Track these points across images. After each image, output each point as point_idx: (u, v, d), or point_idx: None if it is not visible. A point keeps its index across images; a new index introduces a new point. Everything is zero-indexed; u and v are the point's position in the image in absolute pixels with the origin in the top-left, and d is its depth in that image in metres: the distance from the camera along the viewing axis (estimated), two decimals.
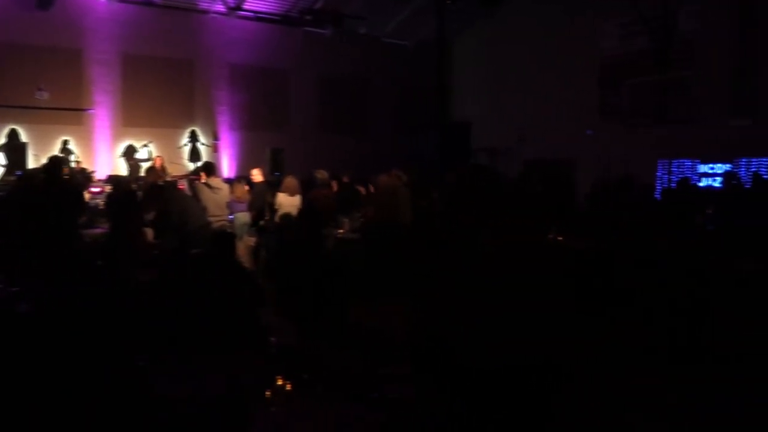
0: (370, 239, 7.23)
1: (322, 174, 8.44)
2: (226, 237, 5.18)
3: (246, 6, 15.38)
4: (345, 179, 10.14)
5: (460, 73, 18.24)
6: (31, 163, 12.67)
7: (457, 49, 18.42)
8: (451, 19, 15.18)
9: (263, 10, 15.74)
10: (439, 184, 8.98)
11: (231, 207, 8.77)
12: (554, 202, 8.12)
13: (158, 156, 13.24)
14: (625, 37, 14.42)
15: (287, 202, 8.58)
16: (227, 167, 15.79)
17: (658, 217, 8.40)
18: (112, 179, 11.83)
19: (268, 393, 2.92)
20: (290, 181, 9.04)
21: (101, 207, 9.56)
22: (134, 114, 14.71)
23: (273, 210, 8.82)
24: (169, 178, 10.25)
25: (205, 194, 8.12)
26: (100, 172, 13.50)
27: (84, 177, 12.02)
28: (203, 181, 8.33)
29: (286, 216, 7.96)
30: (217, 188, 8.26)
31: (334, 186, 9.38)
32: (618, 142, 13.74)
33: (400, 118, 18.17)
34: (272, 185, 9.84)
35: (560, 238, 7.46)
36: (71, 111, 13.88)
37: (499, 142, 16.80)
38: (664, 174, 13.24)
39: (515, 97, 16.63)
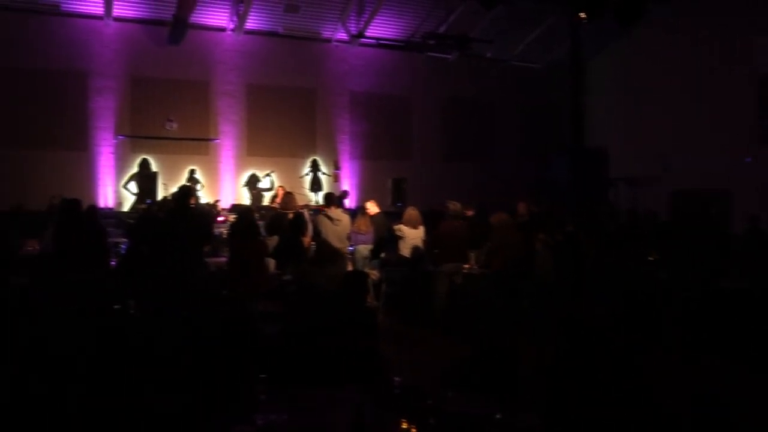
0: (500, 283, 7.14)
1: (454, 205, 8.49)
2: (359, 276, 5.29)
3: (368, 33, 15.85)
4: (469, 212, 10.07)
5: (595, 95, 17.73)
6: (161, 191, 13.68)
7: (591, 70, 17.96)
8: (586, 38, 14.86)
9: (385, 36, 16.16)
10: (573, 217, 8.73)
11: (353, 239, 8.94)
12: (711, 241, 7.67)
13: (280, 186, 13.83)
14: None
15: (411, 234, 8.65)
16: (348, 197, 16.20)
17: None
18: (236, 209, 12.49)
19: None
20: (412, 212, 9.12)
21: (225, 236, 10.10)
22: (257, 143, 15.53)
23: (395, 242, 8.91)
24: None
25: (326, 226, 8.35)
26: (224, 202, 14.33)
27: (209, 206, 12.81)
28: (325, 212, 8.58)
29: (418, 249, 8.05)
30: (338, 220, 8.47)
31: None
32: None
33: (527, 144, 17.89)
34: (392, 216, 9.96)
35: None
36: (198, 141, 14.90)
37: (639, 170, 16.07)
38: None
39: (658, 122, 15.91)
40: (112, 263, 8.02)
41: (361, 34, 15.82)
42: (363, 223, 9.32)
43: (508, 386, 3.75)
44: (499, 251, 8.01)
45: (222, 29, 15.14)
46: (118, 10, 13.93)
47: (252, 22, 15.07)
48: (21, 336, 4.29)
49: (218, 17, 14.90)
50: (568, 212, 8.86)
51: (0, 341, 4.25)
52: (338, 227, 8.42)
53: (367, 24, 15.72)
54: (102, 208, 12.91)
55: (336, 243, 8.32)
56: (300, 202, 13.52)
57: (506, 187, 15.45)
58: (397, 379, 3.36)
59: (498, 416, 2.98)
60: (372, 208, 9.82)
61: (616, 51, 17.50)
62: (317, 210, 10.41)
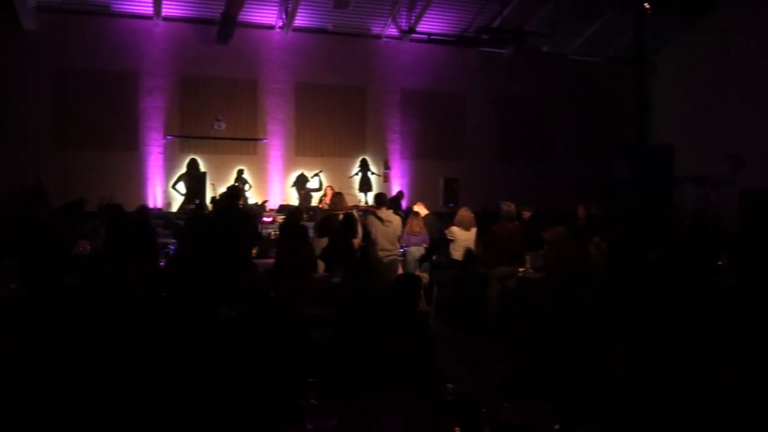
0: (554, 289, 7.05)
1: (508, 206, 8.44)
2: (411, 280, 5.32)
3: (419, 28, 15.84)
4: (526, 214, 9.99)
5: (660, 90, 17.30)
6: (209, 192, 13.94)
7: (655, 64, 17.54)
8: (650, 31, 14.55)
9: (437, 31, 16.11)
10: (633, 220, 8.54)
11: (405, 240, 8.95)
12: None
13: (329, 186, 13.92)
14: None
15: (463, 236, 8.61)
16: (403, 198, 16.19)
17: None
18: (285, 209, 12.65)
19: None
20: (465, 214, 9.09)
21: (273, 237, 10.24)
22: (306, 143, 15.69)
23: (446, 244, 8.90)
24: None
25: (376, 227, 8.38)
26: (273, 202, 14.52)
27: (257, 207, 13.00)
28: (375, 213, 8.61)
29: (470, 251, 8.03)
30: (388, 221, 8.47)
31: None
32: None
33: (586, 142, 17.56)
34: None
35: None
36: (246, 141, 15.15)
37: (708, 168, 15.61)
38: None
39: (728, 117, 15.42)
40: (161, 264, 8.21)
41: (412, 30, 15.82)
42: (416, 224, 9.32)
43: (566, 396, 3.70)
44: (554, 261, 7.93)
45: (270, 27, 15.35)
46: (167, 10, 14.27)
47: (300, 19, 15.23)
48: (70, 335, 4.43)
49: (266, 15, 15.11)
50: (630, 214, 8.66)
51: (49, 341, 4.39)
52: (388, 228, 8.43)
53: (418, 19, 15.70)
54: (151, 209, 13.24)
55: (386, 245, 8.34)
56: (349, 202, 13.62)
57: (564, 186, 15.24)
58: (449, 385, 3.35)
59: (556, 427, 2.94)
60: (421, 210, 9.83)
61: (681, 44, 17.05)
62: (366, 210, 10.45)
